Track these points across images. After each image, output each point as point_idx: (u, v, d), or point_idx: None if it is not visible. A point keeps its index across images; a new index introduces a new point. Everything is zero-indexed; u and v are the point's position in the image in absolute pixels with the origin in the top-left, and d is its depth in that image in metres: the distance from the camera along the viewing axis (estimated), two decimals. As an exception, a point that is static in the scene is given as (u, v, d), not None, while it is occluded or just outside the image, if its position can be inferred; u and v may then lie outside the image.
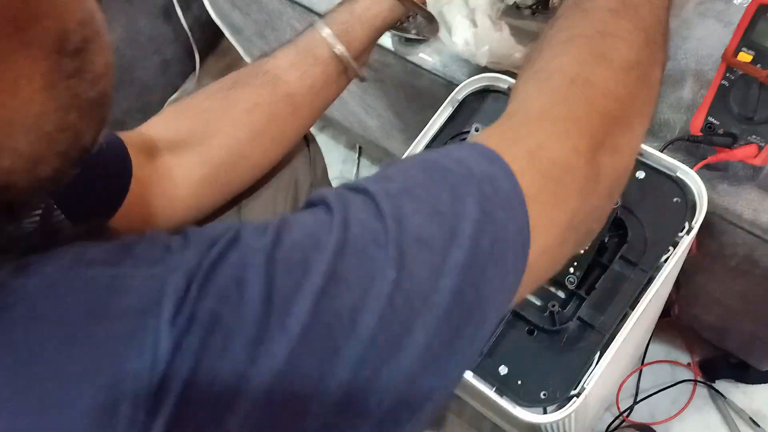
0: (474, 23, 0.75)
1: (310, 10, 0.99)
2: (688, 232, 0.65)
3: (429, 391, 0.35)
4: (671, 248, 0.65)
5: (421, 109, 1.02)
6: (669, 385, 1.20)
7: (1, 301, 0.28)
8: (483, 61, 0.75)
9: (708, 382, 1.20)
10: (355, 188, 0.37)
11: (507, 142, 0.43)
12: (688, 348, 1.23)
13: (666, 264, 0.65)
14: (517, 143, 0.42)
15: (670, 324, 1.19)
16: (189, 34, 1.54)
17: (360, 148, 1.58)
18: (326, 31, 0.67)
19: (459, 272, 0.35)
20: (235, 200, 0.70)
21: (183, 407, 0.28)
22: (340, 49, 0.67)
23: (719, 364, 1.20)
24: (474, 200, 0.37)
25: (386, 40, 0.92)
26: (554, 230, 0.42)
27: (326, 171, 0.82)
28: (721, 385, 1.19)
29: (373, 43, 0.71)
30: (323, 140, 1.63)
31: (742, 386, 1.19)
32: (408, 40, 0.90)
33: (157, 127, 0.65)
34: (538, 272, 0.42)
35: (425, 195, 0.37)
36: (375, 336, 0.31)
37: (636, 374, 1.22)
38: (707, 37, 0.86)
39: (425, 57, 0.89)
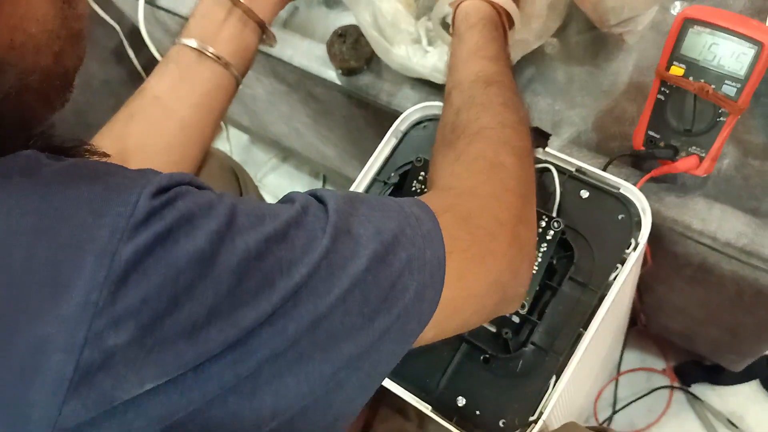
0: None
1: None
2: (634, 249, 0.65)
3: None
4: (619, 265, 0.65)
5: (374, 137, 1.02)
6: (646, 393, 1.20)
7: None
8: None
9: (684, 387, 1.20)
10: (316, 197, 0.43)
11: (441, 208, 0.48)
12: (663, 354, 1.23)
13: (615, 281, 0.64)
14: (450, 210, 0.49)
15: (642, 332, 1.19)
16: (143, 75, 1.54)
17: (324, 176, 1.57)
18: (191, 42, 0.66)
19: (371, 258, 0.40)
20: None
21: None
22: (211, 50, 0.66)
23: (694, 369, 1.20)
24: (398, 223, 0.43)
25: (331, 74, 0.92)
26: (481, 282, 0.48)
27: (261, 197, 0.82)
28: (697, 389, 1.19)
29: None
30: (287, 170, 1.62)
31: (718, 388, 1.19)
32: (350, 71, 0.90)
33: None
34: (464, 314, 0.48)
35: (364, 212, 0.43)
36: (304, 281, 0.36)
37: (612, 384, 1.22)
38: (648, 48, 0.87)
39: (370, 87, 0.89)
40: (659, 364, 1.23)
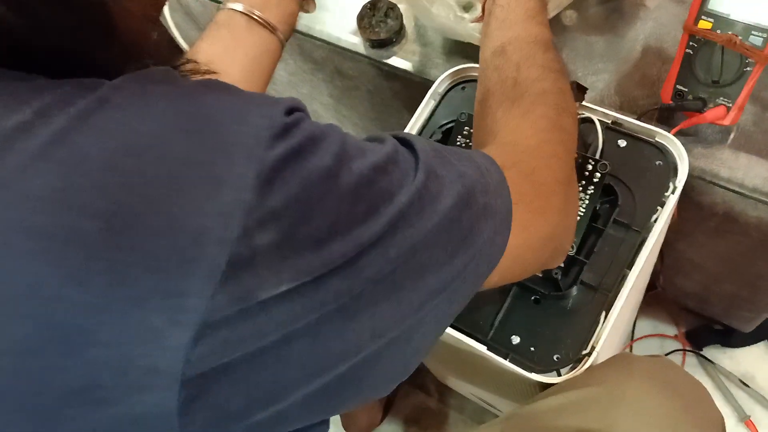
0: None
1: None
2: (673, 192, 0.69)
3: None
4: (659, 208, 0.69)
5: (398, 112, 1.05)
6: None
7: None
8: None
9: (696, 351, 1.24)
10: (400, 138, 0.45)
11: (507, 163, 0.51)
12: (674, 321, 1.28)
13: (656, 223, 0.68)
14: (516, 166, 0.51)
15: (655, 299, 1.23)
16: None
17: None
18: (239, 6, 0.69)
19: (456, 198, 0.42)
20: None
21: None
22: (257, 13, 0.69)
23: (704, 333, 1.25)
24: (473, 171, 0.46)
25: (359, 46, 0.95)
26: (541, 233, 0.52)
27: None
28: (708, 352, 1.24)
29: None
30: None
31: (729, 351, 1.24)
32: (381, 43, 0.93)
33: None
34: (525, 262, 0.52)
35: (446, 156, 0.45)
36: (403, 210, 0.38)
37: (627, 350, 1.26)
38: (663, 16, 0.91)
39: (399, 58, 0.93)
40: (670, 330, 1.28)
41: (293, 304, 0.33)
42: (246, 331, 0.32)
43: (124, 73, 0.38)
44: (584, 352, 0.65)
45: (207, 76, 0.43)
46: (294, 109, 0.37)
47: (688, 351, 1.24)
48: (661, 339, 1.27)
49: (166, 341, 0.29)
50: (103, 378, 0.29)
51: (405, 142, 0.44)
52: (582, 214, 0.69)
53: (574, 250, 0.68)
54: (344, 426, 1.31)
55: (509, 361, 0.67)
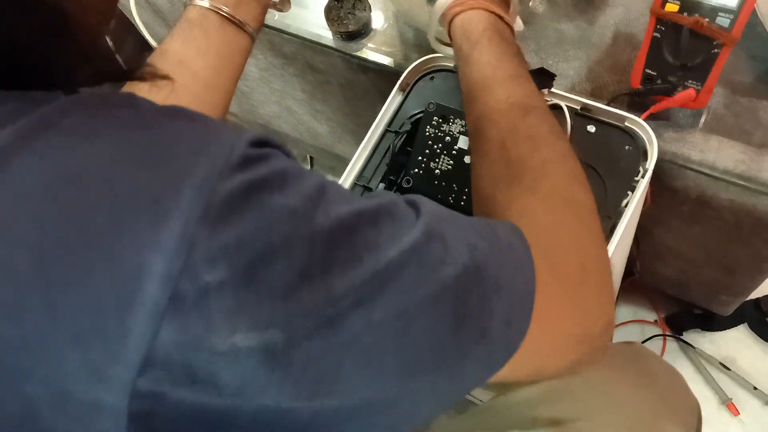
0: None
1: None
2: (643, 176, 0.69)
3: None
4: (630, 192, 0.69)
5: (371, 106, 1.05)
6: (640, 342, 1.24)
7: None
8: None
9: (676, 336, 1.24)
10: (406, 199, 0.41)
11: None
12: (653, 306, 1.28)
13: (627, 208, 0.68)
14: (534, 250, 0.44)
15: (634, 285, 1.23)
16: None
17: (311, 158, 1.59)
18: (207, 3, 0.68)
19: (463, 270, 0.38)
20: None
21: None
22: (225, 9, 0.68)
23: (684, 317, 1.25)
24: (490, 244, 0.41)
25: (329, 39, 0.94)
26: (567, 330, 0.45)
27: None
28: (688, 336, 1.24)
29: None
30: (273, 157, 1.64)
31: (709, 335, 1.24)
32: (350, 36, 0.92)
33: None
34: (542, 360, 0.44)
35: (457, 223, 0.41)
36: (393, 269, 0.35)
37: (608, 338, 1.26)
38: (632, 1, 0.91)
39: (370, 51, 0.92)
40: (650, 316, 1.28)
41: (257, 362, 0.30)
42: (198, 375, 0.29)
43: (81, 79, 0.36)
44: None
45: (165, 81, 0.42)
46: (265, 143, 0.35)
47: (669, 336, 1.25)
48: (641, 325, 1.27)
49: (109, 378, 0.28)
50: (42, 411, 0.28)
51: (411, 202, 0.40)
52: (552, 201, 0.68)
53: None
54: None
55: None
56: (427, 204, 0.40)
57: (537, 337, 0.42)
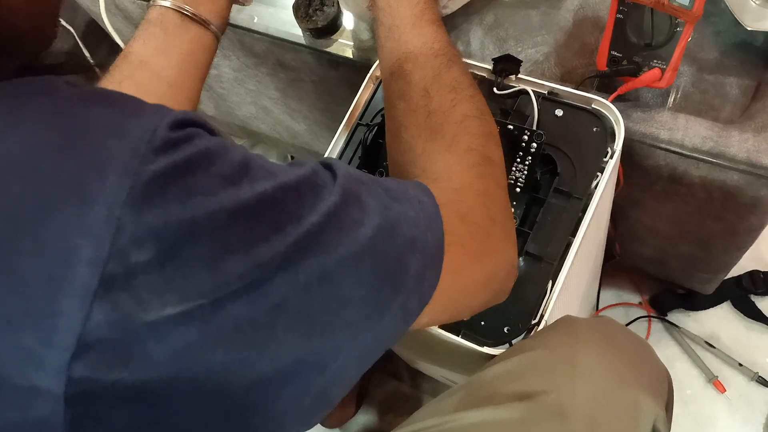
0: None
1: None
2: (611, 156, 0.70)
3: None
4: (599, 174, 0.69)
5: (344, 100, 1.05)
6: (625, 325, 1.25)
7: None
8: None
9: (661, 316, 1.25)
10: (324, 164, 0.43)
11: (439, 202, 0.48)
12: (637, 288, 1.29)
13: (597, 189, 0.69)
14: (449, 206, 0.49)
15: (616, 268, 1.24)
16: (100, 75, 1.54)
17: (292, 158, 1.60)
18: (169, 2, 0.67)
19: (378, 229, 0.40)
20: None
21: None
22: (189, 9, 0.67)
23: (668, 298, 1.26)
24: (402, 202, 0.44)
25: (299, 37, 0.95)
26: (477, 277, 0.50)
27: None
28: (673, 316, 1.25)
29: None
30: (254, 158, 1.64)
31: (693, 314, 1.25)
32: (319, 32, 0.93)
33: None
34: (457, 305, 0.51)
35: (372, 185, 0.44)
36: (314, 231, 0.37)
37: (592, 322, 1.26)
38: (598, -15, 0.92)
39: (340, 46, 0.92)
40: (635, 298, 1.29)
41: (187, 329, 0.32)
42: (133, 353, 0.30)
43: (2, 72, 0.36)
44: (533, 322, 0.65)
45: (128, 82, 0.41)
46: (188, 122, 0.36)
47: (653, 317, 1.26)
48: (625, 307, 1.28)
49: (43, 362, 0.29)
50: None
51: (327, 166, 0.42)
52: (522, 185, 0.69)
53: (518, 222, 0.69)
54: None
55: (461, 337, 0.67)
56: (342, 167, 0.42)
57: (449, 285, 0.46)
